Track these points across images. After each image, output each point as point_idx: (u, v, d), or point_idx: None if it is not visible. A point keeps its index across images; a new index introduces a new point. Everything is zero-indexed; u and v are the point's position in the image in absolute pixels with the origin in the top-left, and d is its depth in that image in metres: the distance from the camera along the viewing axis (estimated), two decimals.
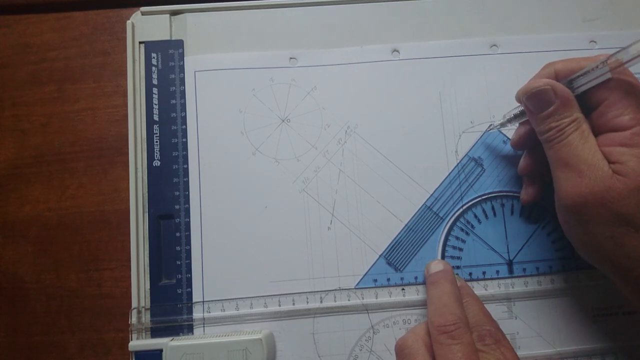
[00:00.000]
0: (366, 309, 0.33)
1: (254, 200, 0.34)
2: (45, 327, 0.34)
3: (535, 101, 0.29)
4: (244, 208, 0.34)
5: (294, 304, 0.33)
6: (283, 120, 0.35)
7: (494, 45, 0.36)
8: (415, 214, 0.34)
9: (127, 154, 0.34)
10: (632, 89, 0.27)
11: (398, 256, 0.34)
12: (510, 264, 0.34)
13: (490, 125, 0.35)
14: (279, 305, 0.33)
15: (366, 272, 0.33)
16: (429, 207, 0.34)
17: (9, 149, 0.36)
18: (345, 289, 0.33)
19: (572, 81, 0.29)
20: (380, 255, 0.34)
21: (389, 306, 0.33)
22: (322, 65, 0.36)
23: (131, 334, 0.32)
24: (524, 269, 0.34)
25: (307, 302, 0.33)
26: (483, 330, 0.28)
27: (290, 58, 0.36)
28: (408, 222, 0.34)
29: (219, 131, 0.35)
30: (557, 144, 0.28)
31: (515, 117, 0.32)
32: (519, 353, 0.32)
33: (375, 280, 0.33)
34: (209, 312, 0.32)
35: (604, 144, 0.27)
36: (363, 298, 0.33)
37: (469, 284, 0.33)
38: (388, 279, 0.33)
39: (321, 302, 0.33)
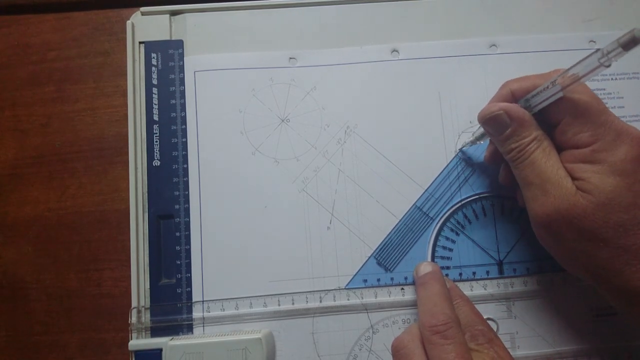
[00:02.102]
0: (365, 308, 0.33)
1: (253, 200, 0.34)
2: (45, 327, 0.34)
3: (491, 126, 0.29)
4: (243, 208, 0.34)
5: (293, 303, 0.33)
6: (283, 120, 0.35)
7: (494, 45, 0.36)
8: (406, 214, 0.34)
9: (127, 153, 0.34)
10: (586, 107, 0.27)
11: (388, 256, 0.34)
12: (500, 264, 0.34)
13: (464, 143, 0.34)
14: (279, 305, 0.33)
15: (356, 272, 0.33)
16: (419, 207, 0.34)
17: (9, 149, 0.36)
18: (345, 289, 0.33)
19: (528, 100, 0.29)
20: (370, 256, 0.34)
21: (388, 306, 0.33)
22: (321, 65, 0.36)
23: (131, 333, 0.32)
24: (514, 270, 0.33)
25: (307, 301, 0.33)
26: (475, 330, 0.28)
27: (290, 58, 0.36)
28: (398, 223, 0.34)
29: (219, 131, 0.35)
30: (521, 164, 0.28)
31: (482, 135, 0.32)
32: (518, 353, 0.32)
33: (365, 281, 0.33)
34: (209, 312, 0.32)
35: (567, 160, 0.27)
36: (362, 298, 0.33)
37: (462, 283, 0.33)
38: (378, 279, 0.33)
39: (320, 301, 0.33)
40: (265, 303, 0.33)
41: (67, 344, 0.34)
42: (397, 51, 0.36)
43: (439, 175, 0.35)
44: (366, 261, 0.34)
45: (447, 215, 0.34)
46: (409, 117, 0.35)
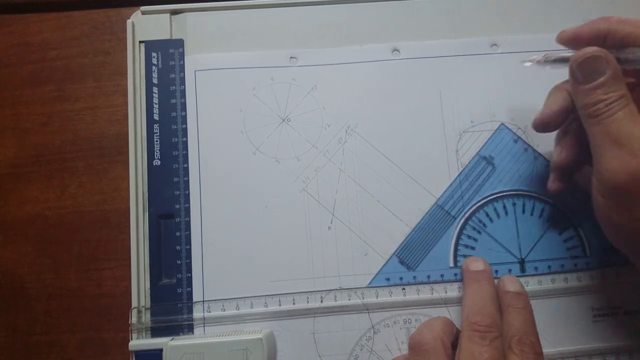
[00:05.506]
0: (367, 308, 0.33)
1: (254, 199, 0.34)
2: (45, 327, 0.34)
3: (585, 69, 0.27)
4: (244, 207, 0.34)
5: (294, 303, 0.33)
6: (283, 120, 0.35)
7: (495, 44, 0.36)
8: (427, 212, 0.34)
9: (127, 153, 0.34)
10: None
11: (410, 255, 0.34)
12: (522, 262, 0.34)
13: (535, 58, 0.32)
14: (280, 305, 0.33)
15: (379, 271, 0.33)
16: (440, 205, 0.34)
17: (9, 148, 0.36)
18: (346, 289, 0.33)
19: (624, 51, 0.27)
20: (393, 254, 0.33)
21: (389, 306, 0.33)
22: (322, 65, 0.36)
23: (131, 333, 0.32)
24: (536, 268, 0.33)
25: (308, 301, 0.33)
26: (526, 339, 0.27)
27: (291, 57, 0.36)
28: (420, 221, 0.34)
29: (219, 130, 0.35)
30: (606, 119, 0.26)
31: (556, 61, 0.29)
32: None
33: (388, 279, 0.33)
34: (209, 312, 0.32)
35: None
36: (363, 298, 0.33)
37: None
38: (401, 278, 0.33)
39: (321, 301, 0.33)
40: (266, 303, 0.33)
41: (67, 344, 0.34)
42: (398, 50, 0.36)
43: (458, 175, 0.34)
44: (388, 259, 0.33)
45: (469, 213, 0.34)
46: (410, 116, 0.35)
